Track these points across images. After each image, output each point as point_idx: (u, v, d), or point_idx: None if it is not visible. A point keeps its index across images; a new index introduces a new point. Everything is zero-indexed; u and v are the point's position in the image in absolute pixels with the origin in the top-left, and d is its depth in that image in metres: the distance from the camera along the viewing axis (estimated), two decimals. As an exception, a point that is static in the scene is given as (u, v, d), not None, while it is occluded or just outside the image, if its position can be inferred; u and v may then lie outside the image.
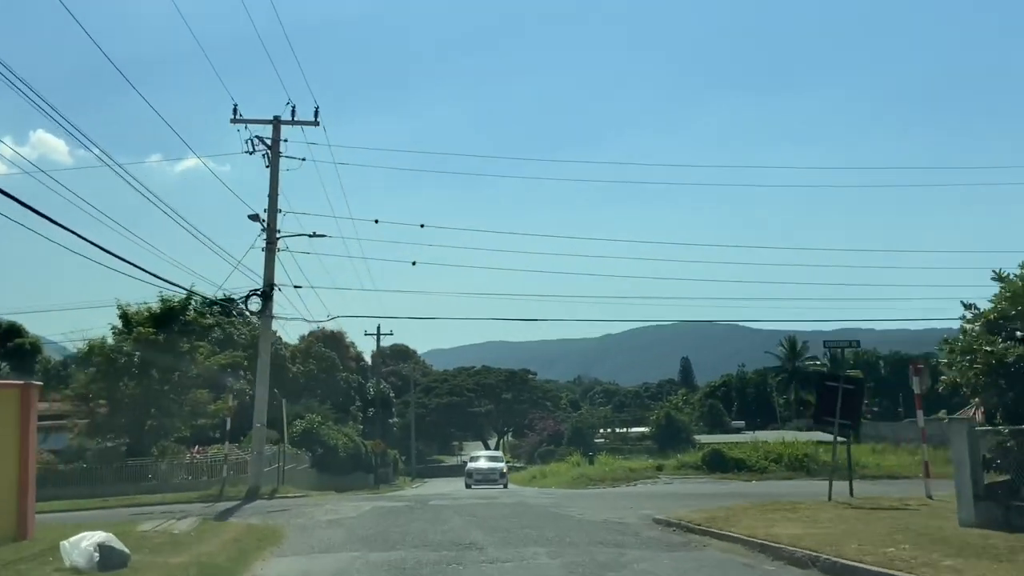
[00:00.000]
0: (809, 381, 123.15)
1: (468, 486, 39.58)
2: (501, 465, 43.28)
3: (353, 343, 73.29)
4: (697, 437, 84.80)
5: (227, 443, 34.12)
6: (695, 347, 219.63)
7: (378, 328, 62.91)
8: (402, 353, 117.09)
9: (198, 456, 34.87)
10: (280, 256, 31.51)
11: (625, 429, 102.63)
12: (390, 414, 74.18)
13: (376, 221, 32.65)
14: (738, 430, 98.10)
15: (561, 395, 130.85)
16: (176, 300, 36.88)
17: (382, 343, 70.61)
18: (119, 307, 37.52)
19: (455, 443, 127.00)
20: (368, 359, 77.47)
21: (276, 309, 31.52)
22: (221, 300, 28.93)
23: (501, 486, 38.88)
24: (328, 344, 66.21)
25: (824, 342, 25.33)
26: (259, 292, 30.06)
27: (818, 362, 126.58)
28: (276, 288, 31.04)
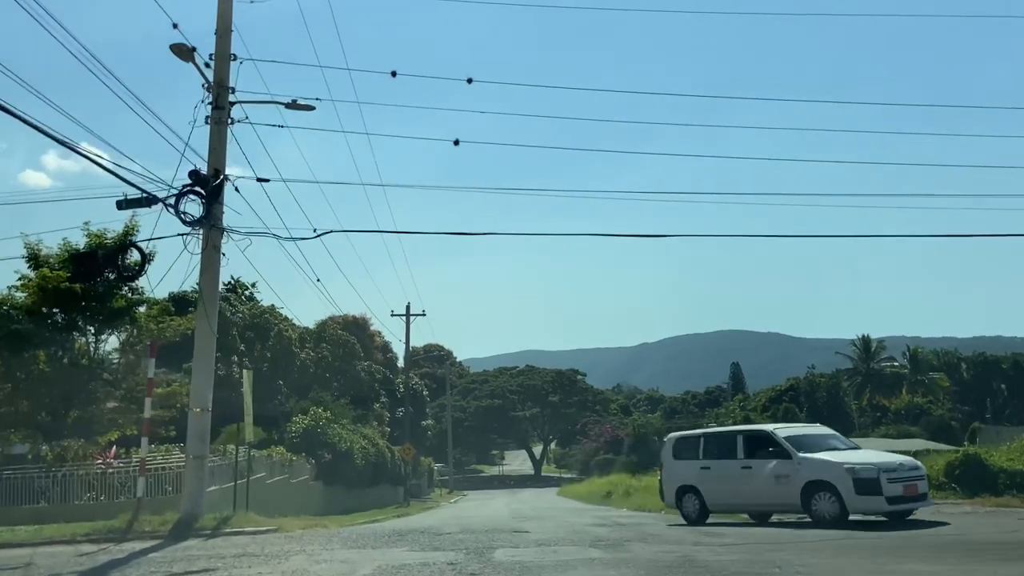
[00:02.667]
0: (885, 384, 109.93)
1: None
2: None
3: (379, 332, 60.46)
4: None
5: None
6: (732, 355, 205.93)
7: (407, 308, 50.00)
8: (436, 353, 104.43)
9: (114, 464, 21.87)
10: (236, 132, 18.87)
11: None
12: (423, 416, 61.28)
13: (394, 74, 19.56)
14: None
15: (612, 400, 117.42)
16: (109, 236, 24.42)
17: (414, 334, 57.82)
18: (26, 245, 25.09)
19: (495, 452, 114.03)
20: (398, 351, 64.37)
21: (233, 220, 18.80)
22: (132, 199, 16.30)
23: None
24: (349, 330, 53.51)
25: None
26: (198, 185, 17.34)
27: (896, 363, 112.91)
28: (227, 179, 18.32)
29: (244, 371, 19.92)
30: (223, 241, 18.25)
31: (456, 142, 19.11)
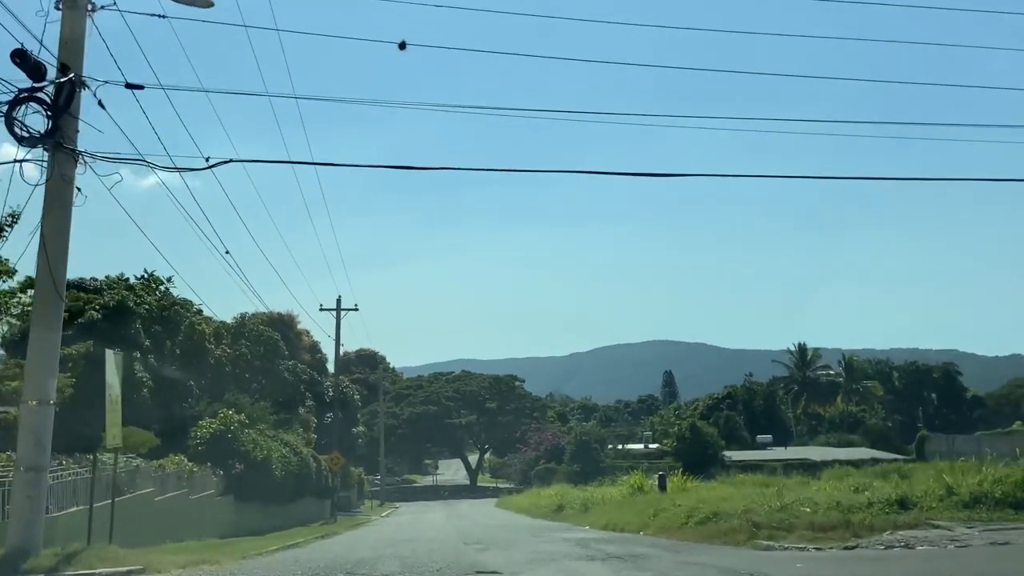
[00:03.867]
0: (821, 392, 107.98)
1: None
2: None
3: (308, 331, 54.70)
4: (726, 453, 68.55)
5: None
6: (662, 365, 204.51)
7: (338, 302, 44.53)
8: (369, 359, 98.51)
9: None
10: (101, 22, 13.67)
11: (621, 446, 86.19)
12: (354, 422, 55.75)
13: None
14: (764, 445, 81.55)
15: (550, 407, 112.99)
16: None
17: (348, 338, 52.30)
18: None
19: (428, 461, 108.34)
20: (328, 352, 58.35)
21: (89, 143, 13.46)
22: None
23: None
24: (275, 327, 47.74)
25: None
26: (32, 78, 12.09)
27: (831, 372, 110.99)
28: (84, 85, 13.08)
29: (108, 353, 14.45)
30: (78, 171, 12.96)
31: (402, 45, 14.08)
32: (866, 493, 18.12)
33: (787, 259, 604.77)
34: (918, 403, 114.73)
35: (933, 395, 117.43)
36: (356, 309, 45.47)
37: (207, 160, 13.75)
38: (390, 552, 16.54)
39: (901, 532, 14.06)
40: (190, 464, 24.75)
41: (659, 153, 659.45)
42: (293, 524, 32.94)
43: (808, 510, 16.90)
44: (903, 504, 15.86)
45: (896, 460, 61.83)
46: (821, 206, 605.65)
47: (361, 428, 61.17)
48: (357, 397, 56.89)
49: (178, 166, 14.31)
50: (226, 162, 13.75)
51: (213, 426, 27.92)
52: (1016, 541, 12.45)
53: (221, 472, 27.09)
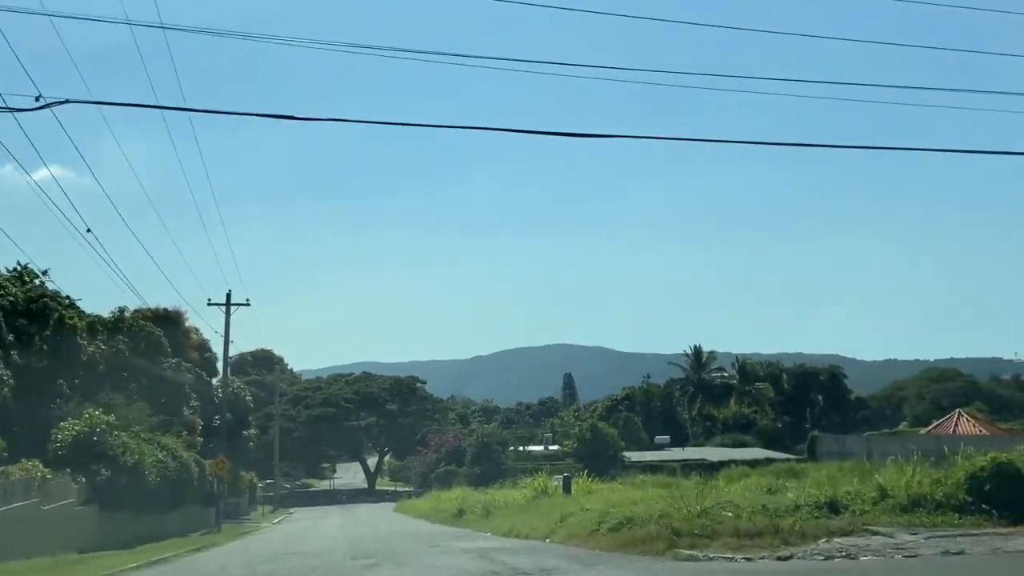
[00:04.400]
0: (715, 394, 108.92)
1: None
2: None
3: (197, 328, 50.88)
4: (625, 454, 67.58)
5: None
6: (562, 368, 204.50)
7: (228, 296, 41.16)
8: (266, 360, 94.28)
9: None
10: None
11: (522, 447, 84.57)
12: (246, 424, 52.26)
13: None
14: (662, 446, 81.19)
15: (452, 409, 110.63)
16: None
17: (241, 338, 48.85)
18: None
19: (326, 465, 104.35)
20: (218, 351, 54.60)
21: None
22: None
23: None
24: (159, 324, 44.05)
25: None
26: None
27: (725, 374, 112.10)
28: None
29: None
30: None
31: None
32: (790, 495, 16.59)
33: (683, 265, 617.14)
34: (806, 405, 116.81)
35: (820, 397, 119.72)
36: (247, 304, 42.22)
37: (37, 99, 11.15)
38: (264, 571, 14.11)
39: (838, 539, 12.48)
40: (44, 470, 21.60)
41: (572, 160, 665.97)
42: (170, 535, 29.85)
43: (731, 515, 15.24)
44: (833, 507, 14.34)
45: (789, 460, 62.01)
46: (716, 215, 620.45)
47: (253, 431, 57.58)
48: (249, 398, 53.41)
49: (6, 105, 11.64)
50: (61, 102, 11.16)
51: (76, 428, 24.72)
52: (970, 550, 10.99)
53: (84, 479, 23.92)
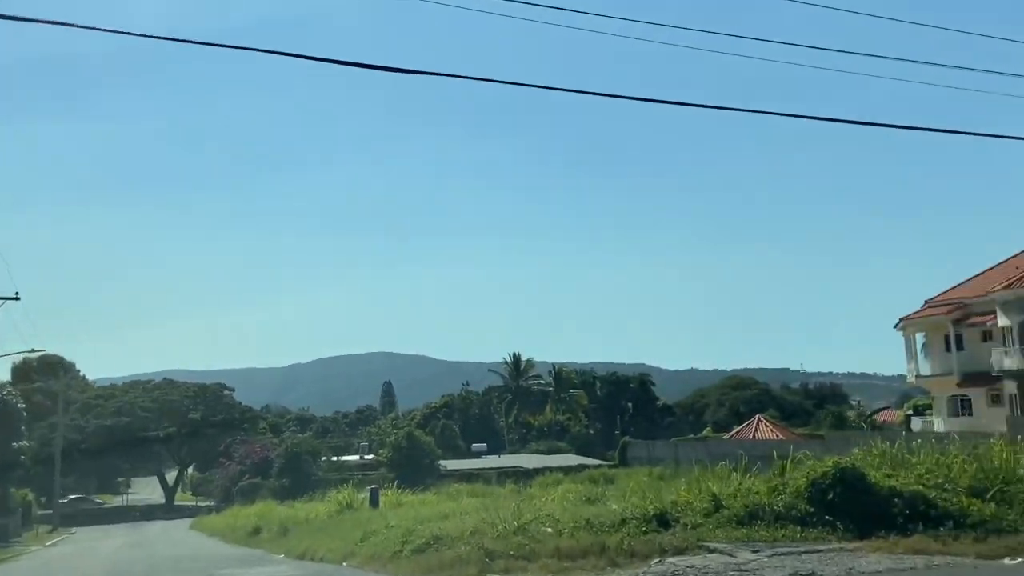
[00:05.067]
0: (532, 401, 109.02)
1: None
2: None
3: (-40, 328, 43.96)
4: (441, 463, 65.45)
5: None
6: (383, 376, 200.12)
7: (-8, 290, 35.31)
8: (55, 366, 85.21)
9: None
10: None
11: (336, 457, 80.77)
12: (17, 436, 45.71)
13: None
14: (479, 454, 79.70)
15: (263, 418, 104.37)
16: None
17: (14, 340, 42.28)
18: None
19: (120, 479, 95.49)
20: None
21: None
22: None
23: None
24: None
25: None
26: None
27: (542, 381, 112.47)
28: None
29: None
30: None
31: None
32: (613, 506, 14.70)
33: (504, 274, 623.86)
34: (617, 411, 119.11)
35: (630, 404, 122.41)
36: (16, 298, 36.60)
37: None
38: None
39: (672, 559, 10.58)
40: None
41: (392, 165, 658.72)
42: None
43: (551, 531, 13.11)
44: (663, 520, 12.52)
45: (602, 466, 62.08)
46: (528, 226, 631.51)
47: (28, 443, 50.75)
48: (22, 405, 46.84)
49: None
50: None
51: None
52: (821, 571, 9.33)
53: None
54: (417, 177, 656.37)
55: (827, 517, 11.18)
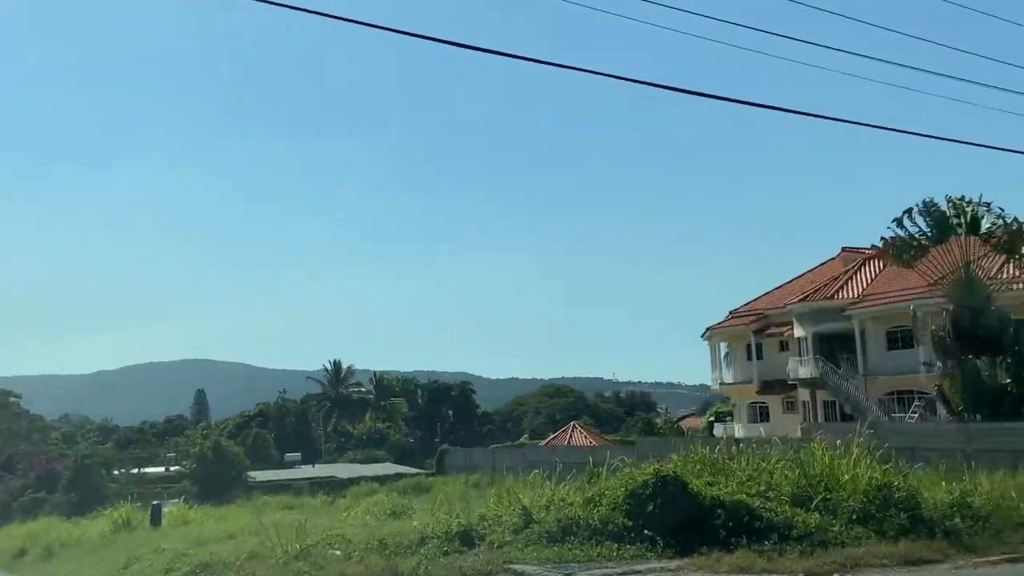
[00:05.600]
0: (352, 409, 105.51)
1: None
2: None
3: None
4: (251, 474, 61.21)
5: None
6: (198, 385, 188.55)
7: None
8: None
9: None
10: None
11: (138, 470, 74.27)
12: None
13: None
14: (292, 464, 75.41)
15: (57, 428, 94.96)
16: None
17: None
18: None
19: None
20: None
21: None
22: None
23: None
24: None
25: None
26: None
27: (363, 389, 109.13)
28: None
29: None
30: None
31: None
32: (415, 522, 12.83)
33: (330, 280, 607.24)
34: (438, 419, 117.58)
35: (450, 412, 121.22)
36: None
37: None
38: None
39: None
40: None
41: (219, 171, 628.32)
42: None
43: (339, 554, 11.05)
44: (467, 538, 10.78)
45: (419, 474, 60.08)
46: (354, 234, 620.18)
47: None
48: None
49: None
50: None
51: None
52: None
53: None
54: (233, 182, 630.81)
55: (646, 532, 9.76)
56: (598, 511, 10.34)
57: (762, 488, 10.74)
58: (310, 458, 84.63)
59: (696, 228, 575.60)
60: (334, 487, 50.26)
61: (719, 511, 9.96)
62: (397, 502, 21.50)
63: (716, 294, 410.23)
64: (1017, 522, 10.21)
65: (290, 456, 77.83)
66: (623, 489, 10.35)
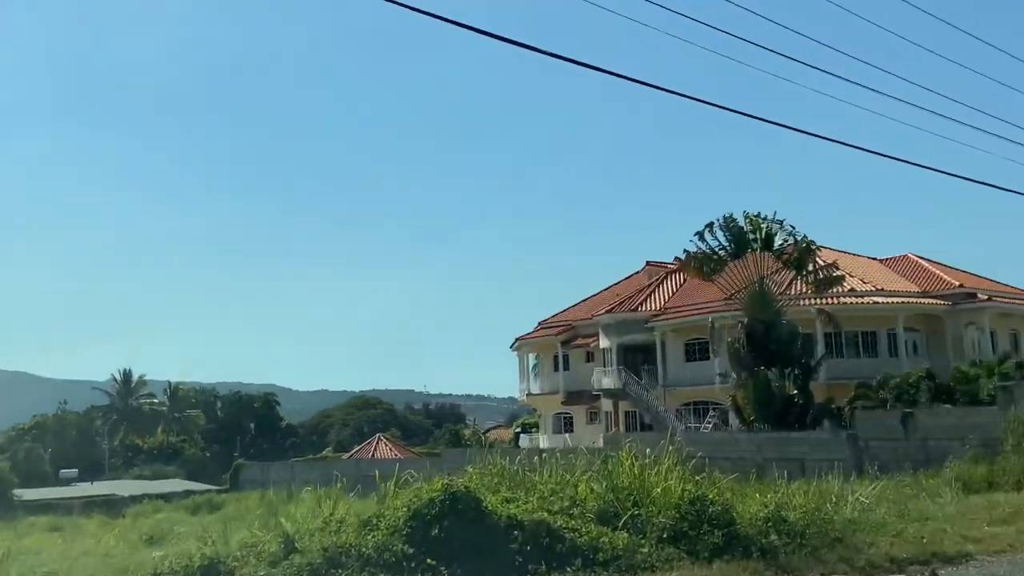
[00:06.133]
0: (144, 422, 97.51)
1: None
2: None
3: None
4: (17, 492, 54.61)
5: None
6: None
7: None
8: None
9: None
10: None
11: None
12: None
13: None
14: (69, 481, 68.10)
15: None
16: None
17: None
18: None
19: None
20: None
21: None
22: None
23: None
24: None
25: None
26: None
27: (156, 401, 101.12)
28: None
29: None
30: None
31: None
32: (156, 553, 10.36)
33: (123, 285, 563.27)
34: (239, 433, 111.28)
35: (252, 425, 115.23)
36: None
37: None
38: None
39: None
40: None
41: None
42: None
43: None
44: (211, 574, 8.52)
45: (210, 491, 55.76)
46: (148, 239, 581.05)
47: None
48: None
49: None
50: None
51: None
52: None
53: None
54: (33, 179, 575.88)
55: (429, 561, 7.86)
56: (374, 536, 8.39)
57: (566, 504, 9.26)
58: (90, 475, 76.92)
59: (508, 240, 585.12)
60: (115, 506, 45.86)
61: (516, 533, 8.29)
62: (162, 526, 18.60)
63: (530, 306, 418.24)
64: (833, 537, 9.31)
65: (66, 472, 70.16)
66: (405, 509, 8.48)
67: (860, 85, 14.53)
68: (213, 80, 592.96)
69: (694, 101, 9.89)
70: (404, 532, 8.39)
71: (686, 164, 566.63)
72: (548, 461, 10.87)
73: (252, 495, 44.37)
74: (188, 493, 55.31)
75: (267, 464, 66.61)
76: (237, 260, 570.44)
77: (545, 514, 8.86)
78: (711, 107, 10.49)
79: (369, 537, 8.52)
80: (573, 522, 8.87)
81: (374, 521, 8.88)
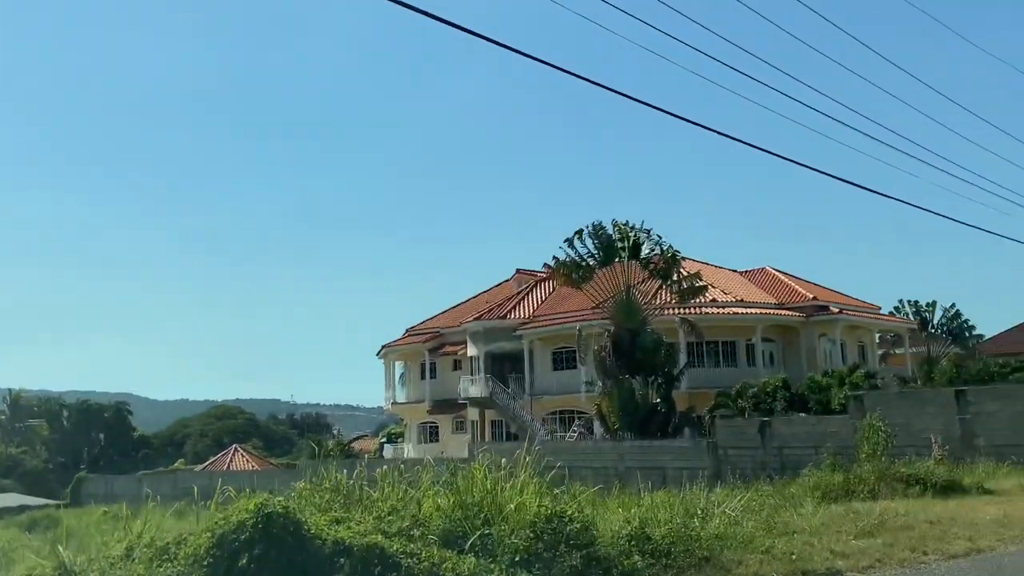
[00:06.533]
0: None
1: None
2: None
3: None
4: None
5: None
6: None
7: None
8: None
9: None
10: None
11: None
12: None
13: None
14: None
15: None
16: None
17: None
18: None
19: None
20: None
21: None
22: None
23: None
24: None
25: None
26: None
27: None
28: None
29: None
30: None
31: None
32: None
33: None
34: (86, 444, 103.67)
35: (102, 435, 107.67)
36: None
37: None
38: None
39: None
40: None
41: None
42: None
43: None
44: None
45: (48, 506, 51.42)
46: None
47: None
48: None
49: None
50: None
51: None
52: None
53: None
54: None
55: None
56: (167, 569, 6.81)
57: (406, 524, 7.94)
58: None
59: (376, 246, 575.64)
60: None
61: (343, 560, 6.89)
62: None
63: (398, 315, 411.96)
64: (701, 556, 8.40)
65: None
66: (208, 534, 6.92)
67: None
68: None
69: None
70: (206, 563, 6.85)
71: (560, 167, 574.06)
72: (389, 473, 9.51)
73: (95, 511, 40.87)
74: (23, 508, 50.85)
75: (112, 477, 62.03)
76: (99, 262, 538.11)
77: (380, 537, 7.52)
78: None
79: (161, 570, 6.93)
80: (412, 545, 7.56)
81: (172, 549, 7.29)
